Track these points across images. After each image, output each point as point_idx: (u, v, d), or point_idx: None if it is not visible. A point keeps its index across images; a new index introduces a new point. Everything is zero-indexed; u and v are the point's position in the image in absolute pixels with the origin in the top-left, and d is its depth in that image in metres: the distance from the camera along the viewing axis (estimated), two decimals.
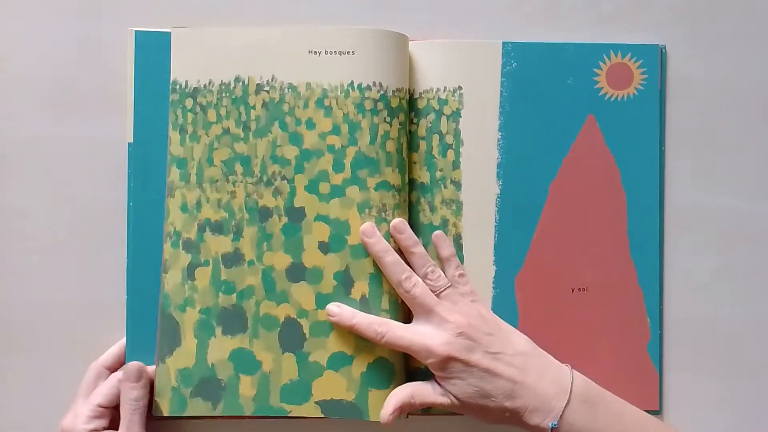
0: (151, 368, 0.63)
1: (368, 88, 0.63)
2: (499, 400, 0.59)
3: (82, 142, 0.67)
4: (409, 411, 0.62)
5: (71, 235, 0.66)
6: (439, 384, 0.62)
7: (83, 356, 0.64)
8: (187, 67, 0.64)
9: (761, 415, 0.68)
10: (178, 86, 0.64)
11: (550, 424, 0.59)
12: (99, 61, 0.67)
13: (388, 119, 0.63)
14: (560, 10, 0.68)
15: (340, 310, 0.62)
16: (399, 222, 0.63)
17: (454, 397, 0.61)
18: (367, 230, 0.62)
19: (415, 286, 0.62)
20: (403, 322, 0.63)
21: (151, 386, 0.62)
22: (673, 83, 0.68)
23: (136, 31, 0.65)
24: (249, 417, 0.64)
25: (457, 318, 0.61)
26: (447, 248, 0.65)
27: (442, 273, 0.64)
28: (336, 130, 0.63)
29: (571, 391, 0.60)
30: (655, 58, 0.68)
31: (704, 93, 0.68)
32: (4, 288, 0.66)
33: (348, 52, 0.63)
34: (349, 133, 0.63)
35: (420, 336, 0.61)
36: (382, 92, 0.63)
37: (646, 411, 0.66)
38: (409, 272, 0.62)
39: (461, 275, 0.64)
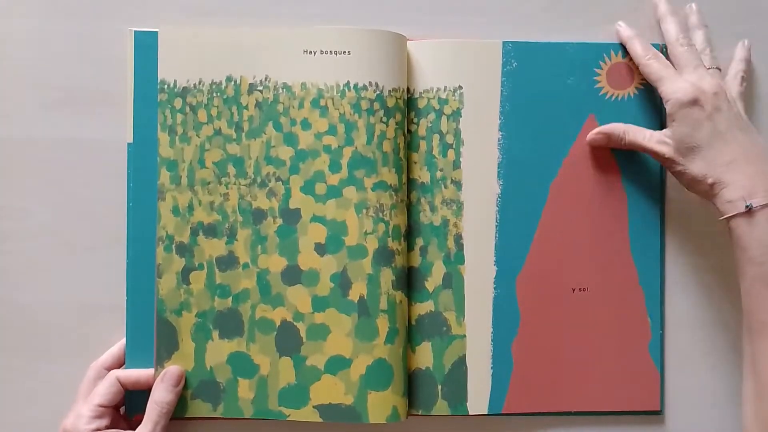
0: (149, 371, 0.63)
1: (364, 87, 0.63)
2: (714, 168, 0.61)
3: (81, 143, 0.66)
4: (613, 144, 0.66)
5: (71, 235, 0.66)
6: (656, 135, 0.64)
7: (83, 357, 0.64)
8: (175, 67, 0.64)
9: None
10: (166, 86, 0.64)
11: (746, 204, 0.59)
12: (98, 61, 0.67)
13: (384, 119, 0.63)
14: (560, 9, 0.68)
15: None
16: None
17: (674, 140, 0.62)
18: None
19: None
20: (401, 324, 0.63)
21: None
22: None
23: (135, 31, 0.65)
24: (250, 419, 0.64)
25: (710, 77, 0.63)
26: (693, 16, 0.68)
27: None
28: (332, 131, 0.63)
29: None
30: None
31: None
32: (3, 287, 0.66)
33: (344, 52, 0.63)
34: (346, 133, 0.63)
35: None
36: (378, 92, 0.63)
37: (647, 411, 0.66)
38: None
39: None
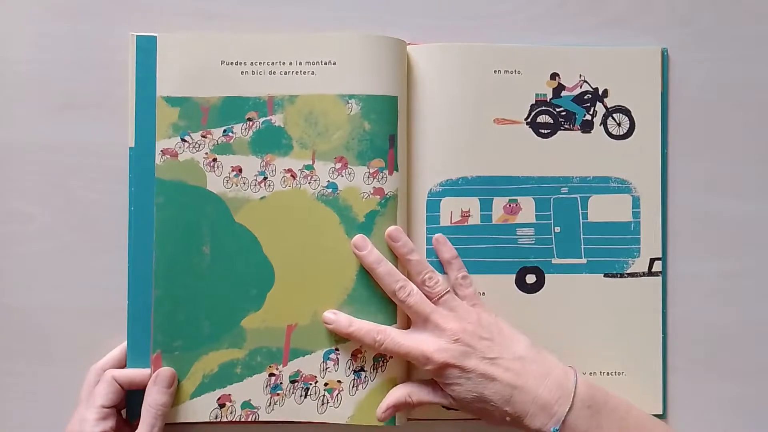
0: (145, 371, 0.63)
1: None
2: (499, 404, 0.59)
3: (83, 147, 0.67)
4: (404, 409, 0.63)
5: (72, 239, 0.67)
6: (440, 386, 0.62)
7: (84, 361, 0.64)
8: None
9: (765, 417, 0.68)
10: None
11: (551, 429, 0.58)
12: (100, 65, 0.67)
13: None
14: (562, 13, 0.68)
15: (336, 318, 0.63)
16: (394, 230, 0.63)
17: (453, 400, 0.61)
18: (358, 243, 0.63)
19: (409, 296, 0.62)
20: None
21: None
22: (675, 86, 0.68)
23: (137, 36, 0.65)
24: (257, 422, 0.64)
25: (452, 325, 0.61)
26: (448, 251, 0.65)
27: (440, 278, 0.64)
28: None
29: (574, 396, 0.59)
30: (657, 62, 0.67)
31: (707, 96, 0.68)
32: (5, 292, 0.66)
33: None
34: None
35: (417, 343, 0.61)
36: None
37: (650, 414, 0.66)
38: (403, 281, 0.62)
39: (464, 277, 0.64)
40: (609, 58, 0.67)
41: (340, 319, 0.62)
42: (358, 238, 0.63)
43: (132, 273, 0.64)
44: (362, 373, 0.63)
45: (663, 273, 0.67)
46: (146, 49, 0.65)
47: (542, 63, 0.67)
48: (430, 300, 0.62)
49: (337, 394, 0.63)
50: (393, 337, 0.61)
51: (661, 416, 0.67)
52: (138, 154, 0.65)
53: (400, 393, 0.62)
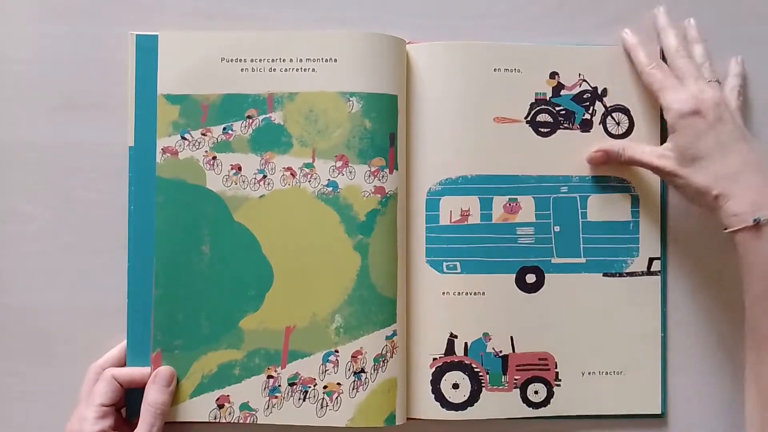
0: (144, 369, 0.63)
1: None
2: (718, 179, 0.60)
3: (83, 146, 0.67)
4: (612, 161, 0.65)
5: (72, 239, 0.66)
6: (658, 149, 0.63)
7: (85, 360, 0.63)
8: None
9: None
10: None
11: (754, 218, 0.58)
12: (100, 64, 0.67)
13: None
14: (561, 13, 0.68)
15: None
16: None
17: (676, 152, 0.62)
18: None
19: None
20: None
21: None
22: None
23: (136, 35, 0.65)
24: (255, 425, 0.64)
25: (706, 87, 0.62)
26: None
27: None
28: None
29: None
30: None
31: None
32: (5, 291, 0.66)
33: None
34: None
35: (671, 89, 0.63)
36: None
37: (649, 414, 0.66)
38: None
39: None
40: (608, 57, 0.67)
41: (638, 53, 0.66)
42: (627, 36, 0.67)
43: (132, 272, 0.64)
44: (362, 374, 0.63)
45: (662, 272, 0.67)
46: (146, 48, 0.65)
47: (542, 62, 0.67)
48: None
49: (336, 397, 0.63)
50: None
51: (661, 416, 0.67)
52: (137, 153, 0.65)
53: (618, 143, 0.65)
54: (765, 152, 0.62)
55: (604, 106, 0.67)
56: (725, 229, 0.60)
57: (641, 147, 0.65)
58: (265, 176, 0.64)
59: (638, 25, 0.68)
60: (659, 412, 0.67)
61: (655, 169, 0.64)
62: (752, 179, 0.60)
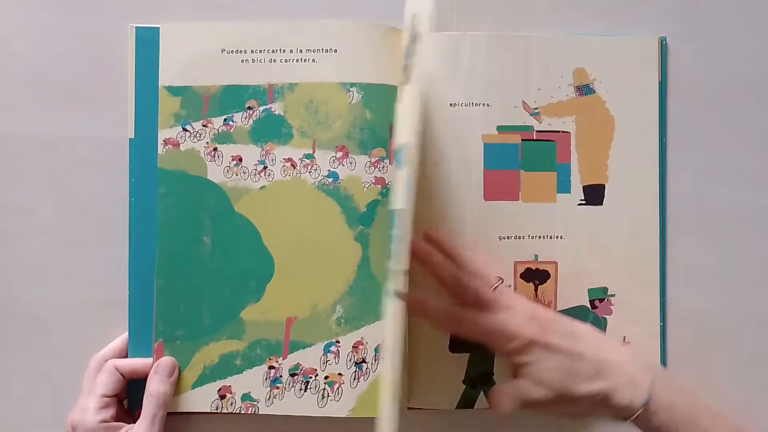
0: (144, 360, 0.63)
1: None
2: (588, 381, 0.57)
3: (83, 139, 0.67)
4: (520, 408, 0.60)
5: (73, 232, 0.66)
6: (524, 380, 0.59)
7: (86, 353, 0.64)
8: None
9: (765, 407, 0.68)
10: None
11: (642, 399, 0.57)
12: (100, 57, 0.67)
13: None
14: (560, 3, 0.68)
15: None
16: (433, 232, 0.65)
17: (543, 386, 0.58)
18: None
19: (472, 279, 0.61)
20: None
21: None
22: (674, 76, 0.68)
23: (136, 27, 0.65)
24: (257, 414, 0.64)
25: (523, 303, 0.60)
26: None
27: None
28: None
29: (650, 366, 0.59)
30: (656, 51, 0.68)
31: (706, 85, 0.68)
32: (7, 284, 0.66)
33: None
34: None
35: (497, 321, 0.59)
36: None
37: None
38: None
39: (501, 281, 0.64)
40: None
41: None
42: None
43: (133, 263, 0.64)
44: (363, 365, 0.63)
45: (662, 262, 0.67)
46: (146, 40, 0.65)
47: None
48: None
49: (337, 387, 0.63)
50: (472, 318, 0.60)
51: None
52: (138, 145, 0.65)
53: (515, 390, 0.59)
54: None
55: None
56: (624, 419, 0.58)
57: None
58: (265, 167, 0.64)
59: (637, 15, 0.68)
60: None
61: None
62: (613, 364, 0.58)
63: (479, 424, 0.67)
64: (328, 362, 0.63)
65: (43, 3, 0.67)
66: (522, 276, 0.66)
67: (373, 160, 0.64)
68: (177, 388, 0.63)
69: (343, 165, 0.64)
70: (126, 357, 0.64)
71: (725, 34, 0.69)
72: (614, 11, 0.68)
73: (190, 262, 0.64)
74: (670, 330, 0.67)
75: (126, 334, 0.64)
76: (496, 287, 0.62)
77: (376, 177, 0.64)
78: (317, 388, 0.63)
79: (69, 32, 0.67)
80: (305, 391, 0.64)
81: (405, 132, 0.55)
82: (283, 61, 0.64)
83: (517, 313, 0.59)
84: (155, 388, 0.61)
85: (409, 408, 0.65)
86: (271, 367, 0.64)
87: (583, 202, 0.67)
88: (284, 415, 0.64)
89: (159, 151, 0.64)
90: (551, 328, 0.59)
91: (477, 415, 0.66)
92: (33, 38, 0.67)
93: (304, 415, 0.63)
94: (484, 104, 0.66)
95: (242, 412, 0.63)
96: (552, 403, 0.58)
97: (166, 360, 0.62)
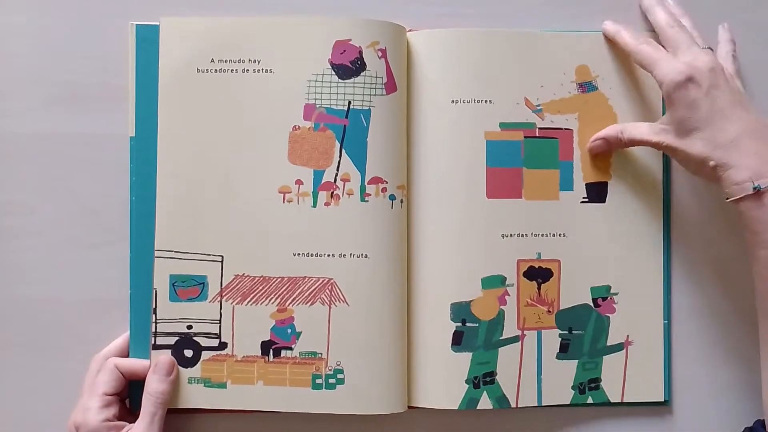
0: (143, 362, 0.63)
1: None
2: (716, 148, 0.59)
3: (84, 138, 0.66)
4: (613, 147, 0.65)
5: (74, 230, 0.66)
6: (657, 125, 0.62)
7: (88, 352, 0.64)
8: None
9: None
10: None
11: (753, 186, 0.57)
12: (100, 55, 0.67)
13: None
14: (560, 0, 0.68)
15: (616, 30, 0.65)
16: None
17: (674, 125, 0.61)
18: (608, 29, 0.66)
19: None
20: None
21: None
22: None
23: (137, 25, 0.65)
24: (257, 411, 0.64)
25: (705, 54, 0.61)
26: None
27: None
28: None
29: None
30: None
31: None
32: (7, 284, 0.66)
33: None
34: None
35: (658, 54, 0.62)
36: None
37: (653, 401, 0.66)
38: None
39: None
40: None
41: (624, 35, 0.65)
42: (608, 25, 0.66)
43: (134, 263, 0.64)
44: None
45: (666, 260, 0.67)
46: (146, 38, 0.64)
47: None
48: None
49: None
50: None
51: (666, 403, 0.67)
52: (139, 143, 0.64)
53: (613, 128, 0.64)
54: (762, 118, 0.60)
55: None
56: (727, 198, 0.59)
57: (639, 126, 0.64)
58: None
59: (637, 11, 0.68)
60: (663, 398, 0.67)
61: (655, 145, 0.62)
62: (751, 146, 0.58)
63: (482, 425, 0.67)
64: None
65: (44, 1, 0.67)
66: (525, 274, 0.66)
67: None
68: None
69: None
70: (128, 356, 0.64)
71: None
72: (617, 8, 0.68)
73: None
74: (675, 328, 0.67)
75: (128, 334, 0.64)
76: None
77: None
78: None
79: (69, 30, 0.67)
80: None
81: None
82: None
83: (694, 51, 0.61)
84: (154, 387, 0.61)
85: (410, 407, 0.65)
86: None
87: (586, 199, 0.67)
88: (285, 412, 0.63)
89: None
90: (721, 84, 0.59)
91: (480, 416, 0.66)
92: (33, 36, 0.67)
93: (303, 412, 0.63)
94: (486, 101, 0.66)
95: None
96: (671, 149, 0.61)
97: (164, 359, 0.62)
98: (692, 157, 0.60)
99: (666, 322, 0.67)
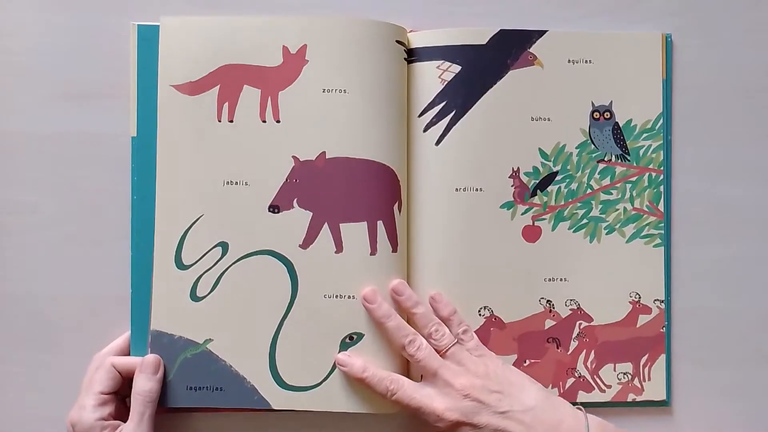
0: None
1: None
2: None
3: (86, 137, 0.67)
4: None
5: (76, 229, 0.67)
6: None
7: (89, 349, 0.64)
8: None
9: None
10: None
11: None
12: (102, 55, 0.67)
13: None
14: (561, 1, 0.68)
15: (350, 361, 0.62)
16: (398, 284, 0.63)
17: None
18: (368, 296, 0.62)
19: (418, 350, 0.61)
20: None
21: None
22: (679, 72, 0.67)
23: (138, 25, 0.65)
24: (253, 410, 0.64)
25: (461, 381, 0.60)
26: (445, 308, 0.64)
27: (446, 331, 0.63)
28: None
29: None
30: (660, 47, 0.67)
31: (711, 82, 0.68)
32: (10, 282, 0.67)
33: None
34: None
35: (429, 399, 0.60)
36: None
37: (654, 402, 0.66)
38: (412, 335, 0.62)
39: (465, 331, 0.63)
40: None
41: (355, 363, 0.62)
42: (368, 291, 0.62)
43: (135, 262, 0.64)
44: None
45: (666, 260, 0.67)
46: (147, 38, 0.65)
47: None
48: (438, 353, 0.62)
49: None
50: (405, 389, 0.61)
51: (666, 404, 0.67)
52: (140, 143, 0.65)
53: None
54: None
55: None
56: None
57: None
58: None
59: (642, 9, 0.67)
60: (664, 399, 0.67)
61: None
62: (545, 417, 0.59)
63: None
64: None
65: (45, 1, 0.67)
66: None
67: None
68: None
69: None
70: (128, 355, 0.64)
71: (730, 30, 0.68)
72: (619, 7, 0.68)
73: None
74: (675, 329, 0.67)
75: (128, 333, 0.64)
76: (447, 351, 0.62)
77: None
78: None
79: (71, 30, 0.67)
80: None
81: None
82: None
83: (452, 390, 0.60)
84: (141, 386, 0.61)
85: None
86: None
87: None
88: (280, 410, 0.64)
89: None
90: (484, 405, 0.59)
91: None
92: (35, 36, 0.67)
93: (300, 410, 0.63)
94: None
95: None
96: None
97: (150, 357, 0.62)
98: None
99: (667, 323, 0.67)
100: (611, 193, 0.66)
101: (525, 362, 0.66)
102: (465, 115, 0.65)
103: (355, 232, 0.63)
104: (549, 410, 0.60)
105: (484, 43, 0.66)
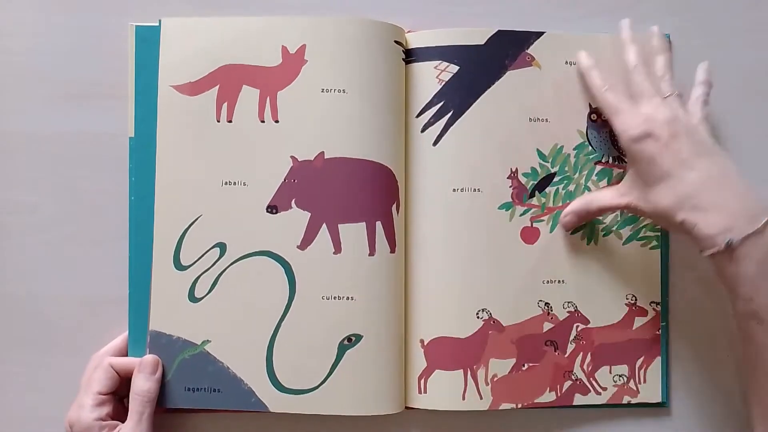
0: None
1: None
2: (681, 202, 0.57)
3: (84, 137, 0.67)
4: (584, 219, 0.64)
5: (74, 229, 0.67)
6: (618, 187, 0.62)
7: (87, 350, 0.64)
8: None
9: None
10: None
11: (726, 240, 0.55)
12: (100, 55, 0.67)
13: None
14: (561, 1, 0.68)
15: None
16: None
17: (636, 183, 0.60)
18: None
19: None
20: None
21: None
22: (678, 72, 0.67)
23: (136, 26, 0.65)
24: (253, 411, 0.64)
25: (665, 106, 0.60)
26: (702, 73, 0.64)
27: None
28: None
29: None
30: None
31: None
32: (8, 282, 0.67)
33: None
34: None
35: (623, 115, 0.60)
36: None
37: (652, 403, 0.66)
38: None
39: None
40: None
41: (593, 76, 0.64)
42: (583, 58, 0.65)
43: (133, 262, 0.65)
44: None
45: (664, 260, 0.67)
46: (146, 38, 0.65)
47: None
48: None
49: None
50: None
51: (664, 404, 0.67)
52: (137, 143, 0.65)
53: (581, 200, 0.64)
54: (733, 164, 0.58)
55: None
56: (701, 252, 0.57)
57: (603, 193, 0.63)
58: None
59: (641, 9, 0.67)
60: (660, 400, 0.66)
61: (624, 208, 0.61)
62: (717, 197, 0.56)
63: (479, 427, 0.67)
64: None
65: (44, 1, 0.67)
66: None
67: None
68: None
69: None
70: (126, 355, 0.64)
71: (730, 30, 0.68)
72: (618, 7, 0.67)
73: None
74: (673, 330, 0.67)
75: (126, 333, 0.65)
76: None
77: None
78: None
79: (69, 30, 0.67)
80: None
81: None
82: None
83: (657, 104, 0.59)
84: (139, 386, 0.61)
85: (407, 408, 0.65)
86: None
87: None
88: (280, 413, 0.64)
89: None
90: (682, 135, 0.58)
91: (477, 417, 0.66)
92: (33, 36, 0.67)
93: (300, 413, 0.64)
94: None
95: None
96: (637, 209, 0.60)
97: (149, 357, 0.63)
98: (659, 213, 0.58)
99: (664, 323, 0.67)
100: None
101: (524, 366, 0.65)
102: (462, 116, 0.65)
103: (353, 232, 0.63)
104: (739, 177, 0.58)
105: (482, 43, 0.65)
